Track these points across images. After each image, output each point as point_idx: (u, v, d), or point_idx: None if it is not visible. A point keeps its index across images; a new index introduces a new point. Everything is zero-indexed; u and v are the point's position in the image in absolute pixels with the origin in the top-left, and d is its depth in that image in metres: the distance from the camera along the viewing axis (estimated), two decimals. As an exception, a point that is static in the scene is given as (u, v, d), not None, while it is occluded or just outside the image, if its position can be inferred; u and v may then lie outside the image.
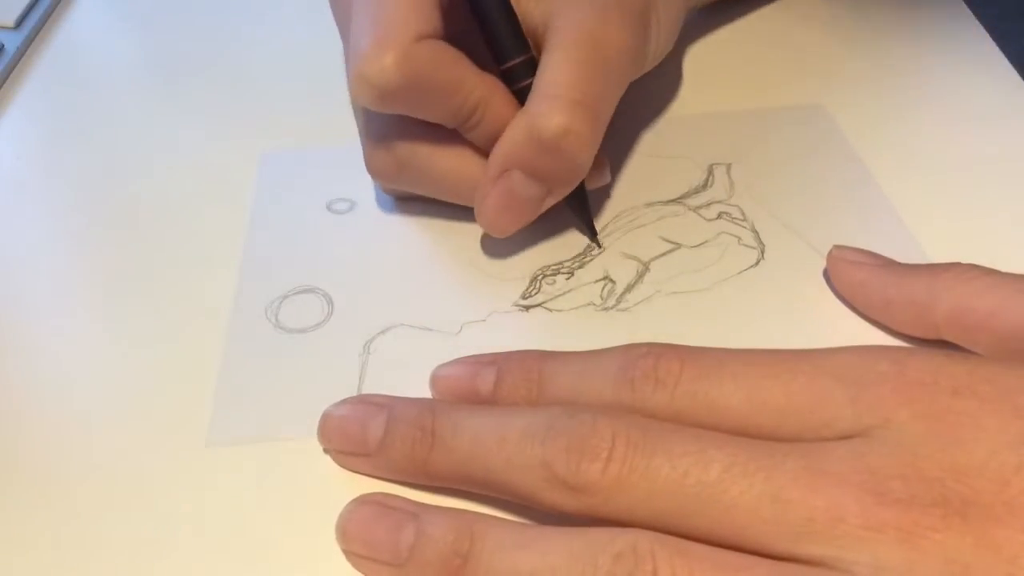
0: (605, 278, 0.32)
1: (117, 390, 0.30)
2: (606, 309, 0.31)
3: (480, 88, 0.30)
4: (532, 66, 0.31)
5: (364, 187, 0.36)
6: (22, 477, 0.27)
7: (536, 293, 0.32)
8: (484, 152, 0.31)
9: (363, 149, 0.34)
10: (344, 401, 0.28)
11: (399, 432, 0.26)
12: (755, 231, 0.34)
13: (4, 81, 0.42)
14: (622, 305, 0.31)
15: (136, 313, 0.32)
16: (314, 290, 0.32)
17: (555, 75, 0.29)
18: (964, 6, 0.43)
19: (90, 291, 0.33)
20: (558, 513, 0.23)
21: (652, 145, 0.37)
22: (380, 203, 0.36)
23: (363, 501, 0.25)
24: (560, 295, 0.32)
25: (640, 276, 0.32)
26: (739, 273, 0.32)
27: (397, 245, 0.34)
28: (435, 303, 0.32)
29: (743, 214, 0.34)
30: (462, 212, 0.35)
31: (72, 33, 0.46)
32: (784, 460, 0.22)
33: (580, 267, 0.33)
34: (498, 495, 0.25)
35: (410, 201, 0.35)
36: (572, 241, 0.34)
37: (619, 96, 0.31)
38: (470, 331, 0.31)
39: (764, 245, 0.33)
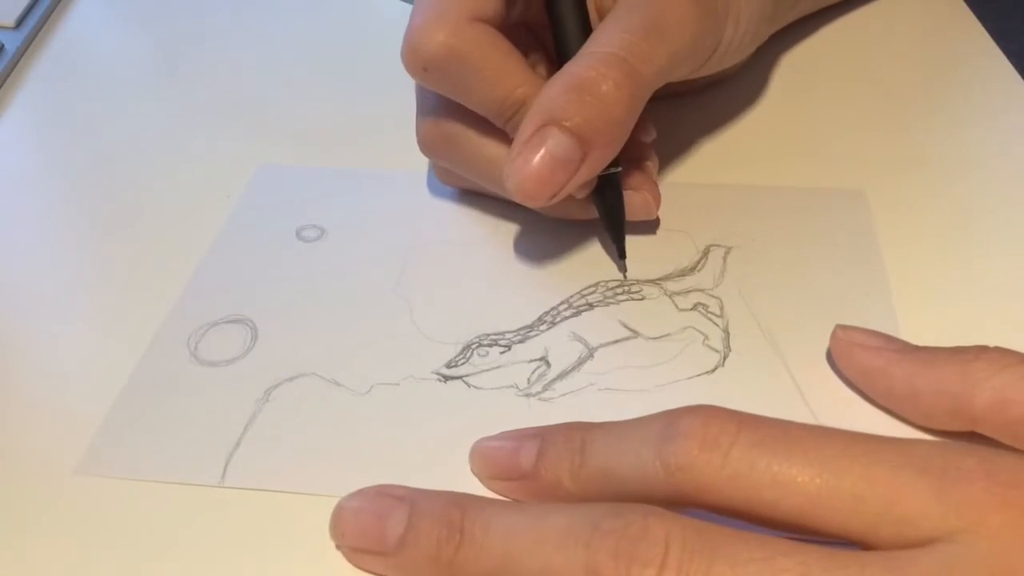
0: (541, 359, 0.29)
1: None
2: (527, 395, 0.28)
3: (526, 86, 0.29)
4: None
5: (341, 214, 0.35)
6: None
7: (463, 363, 0.29)
8: None
9: (416, 120, 0.34)
10: (359, 492, 0.25)
11: (423, 528, 0.23)
12: (727, 332, 0.30)
13: (4, 81, 0.43)
14: (546, 394, 0.28)
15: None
16: (244, 321, 0.31)
17: (599, 37, 0.29)
18: (964, 6, 0.42)
19: (81, 290, 0.33)
20: None
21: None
22: (348, 236, 0.34)
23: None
24: (487, 370, 0.29)
25: (580, 363, 0.29)
26: (689, 378, 0.28)
27: (344, 286, 0.32)
28: (354, 356, 0.30)
29: (721, 310, 0.30)
30: (424, 262, 0.33)
31: (72, 33, 0.47)
32: (862, 573, 0.19)
33: (521, 341, 0.30)
34: None
35: (370, 233, 0.34)
36: (524, 311, 0.31)
37: (669, 70, 0.29)
38: (379, 393, 0.29)
39: (729, 351, 0.29)
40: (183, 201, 0.36)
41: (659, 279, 0.32)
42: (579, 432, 0.24)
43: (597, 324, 0.30)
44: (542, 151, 0.28)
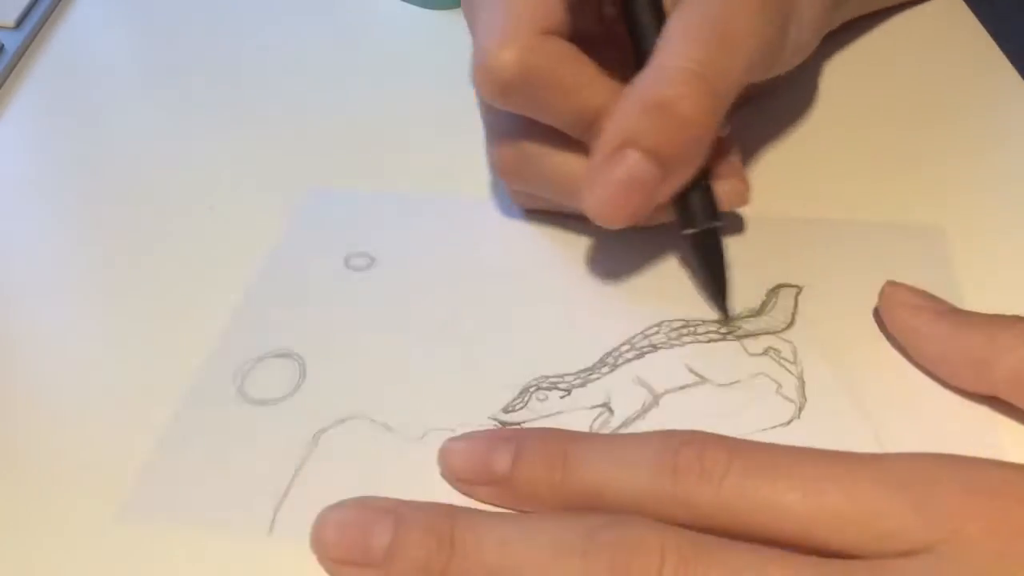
0: (604, 405, 0.28)
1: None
2: (590, 445, 0.27)
3: (604, 94, 0.28)
4: None
5: (391, 241, 0.33)
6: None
7: (521, 408, 0.28)
8: None
9: (487, 146, 0.32)
10: (343, 503, 0.24)
11: (411, 540, 0.23)
12: (801, 380, 0.28)
13: (4, 81, 0.42)
14: (610, 444, 0.27)
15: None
16: (292, 356, 0.30)
17: (671, 46, 0.27)
18: (964, 6, 0.42)
19: (83, 294, 0.32)
20: None
21: (716, 248, 0.32)
22: (399, 265, 0.33)
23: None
24: (547, 416, 0.28)
25: (644, 411, 0.28)
26: (762, 430, 0.27)
27: (397, 320, 0.31)
28: (407, 397, 0.28)
29: (795, 356, 0.29)
30: (479, 296, 0.31)
31: (72, 33, 0.46)
32: None
33: (581, 385, 0.28)
34: None
35: (425, 258, 0.32)
36: (584, 352, 0.29)
37: (742, 82, 0.28)
38: (434, 439, 0.27)
39: (805, 401, 0.27)
40: (181, 201, 0.36)
41: (726, 320, 0.30)
42: (558, 444, 0.24)
43: (661, 368, 0.29)
44: (620, 173, 0.27)
